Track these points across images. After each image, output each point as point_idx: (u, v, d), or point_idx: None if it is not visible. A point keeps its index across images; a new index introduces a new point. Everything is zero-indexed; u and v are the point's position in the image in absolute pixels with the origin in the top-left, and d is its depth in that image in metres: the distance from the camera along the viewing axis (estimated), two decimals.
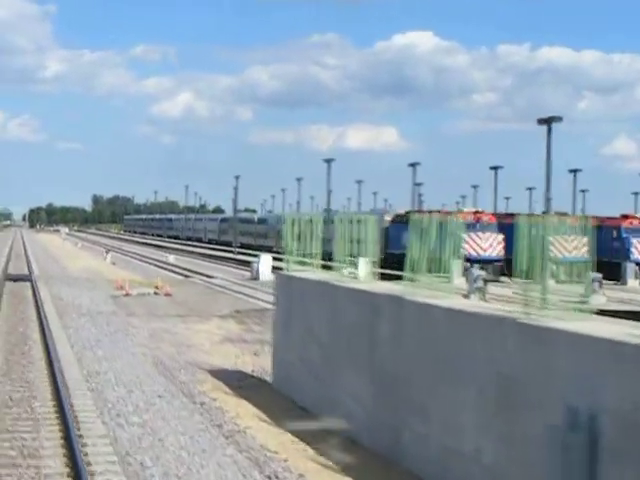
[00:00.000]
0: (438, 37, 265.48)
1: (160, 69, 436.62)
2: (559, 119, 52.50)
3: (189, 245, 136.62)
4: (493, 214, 75.25)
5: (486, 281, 44.70)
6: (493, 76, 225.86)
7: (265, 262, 59.44)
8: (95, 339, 28.58)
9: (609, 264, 56.83)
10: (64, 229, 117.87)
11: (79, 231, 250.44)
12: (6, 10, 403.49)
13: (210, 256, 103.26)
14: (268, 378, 23.45)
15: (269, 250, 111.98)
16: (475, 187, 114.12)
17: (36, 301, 38.57)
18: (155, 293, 48.38)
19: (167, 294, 47.56)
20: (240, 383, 23.15)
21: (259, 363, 25.83)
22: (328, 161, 77.63)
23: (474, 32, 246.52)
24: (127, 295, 46.77)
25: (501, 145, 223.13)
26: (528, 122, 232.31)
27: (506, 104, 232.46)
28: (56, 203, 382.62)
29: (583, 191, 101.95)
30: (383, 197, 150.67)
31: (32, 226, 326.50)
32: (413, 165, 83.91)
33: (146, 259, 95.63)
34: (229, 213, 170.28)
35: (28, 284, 49.49)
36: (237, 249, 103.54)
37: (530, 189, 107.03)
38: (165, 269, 77.52)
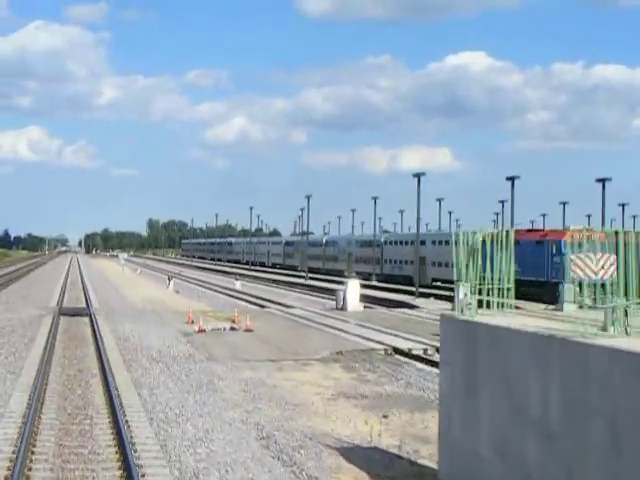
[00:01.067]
0: (491, 57, 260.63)
1: (214, 94, 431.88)
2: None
3: (252, 270, 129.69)
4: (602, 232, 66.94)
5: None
6: (547, 95, 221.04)
7: (353, 289, 52.01)
8: (177, 403, 21.36)
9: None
10: (122, 254, 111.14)
11: (135, 256, 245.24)
12: (61, 38, 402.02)
13: (278, 282, 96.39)
14: (426, 461, 16.78)
15: (339, 274, 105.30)
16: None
17: (97, 343, 31.52)
18: (232, 328, 41.25)
19: (247, 329, 40.38)
20: (390, 473, 16.12)
21: (397, 431, 19.10)
22: (417, 175, 72.23)
23: (527, 51, 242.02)
24: (201, 331, 39.66)
25: (556, 162, 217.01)
26: (583, 140, 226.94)
27: (560, 122, 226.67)
28: (112, 228, 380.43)
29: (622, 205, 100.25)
30: (427, 221, 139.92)
31: (88, 252, 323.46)
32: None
33: (210, 286, 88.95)
34: (285, 236, 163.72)
35: (86, 319, 42.47)
36: (308, 274, 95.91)
37: (622, 205, 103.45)
38: (234, 297, 70.61)
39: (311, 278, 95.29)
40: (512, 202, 73.86)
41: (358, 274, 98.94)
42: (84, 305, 54.35)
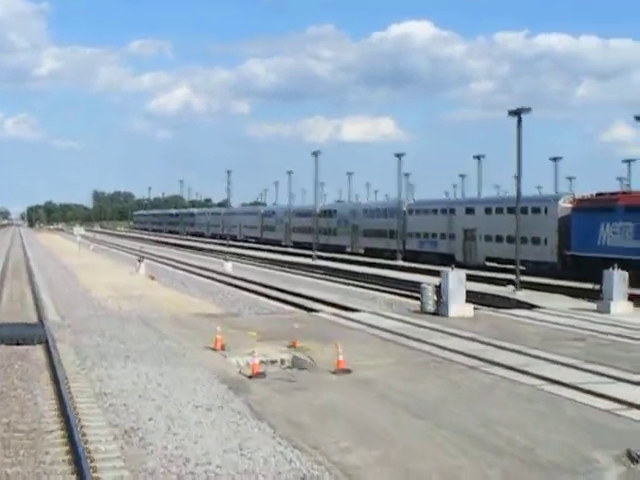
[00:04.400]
0: (435, 27, 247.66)
1: (157, 64, 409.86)
2: (527, 110, 43.34)
3: (227, 245, 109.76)
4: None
5: None
6: (490, 64, 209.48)
7: (457, 284, 32.69)
8: None
9: None
10: (78, 229, 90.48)
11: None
12: (2, 9, 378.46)
13: (275, 262, 76.75)
14: None
15: (340, 250, 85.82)
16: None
17: (72, 446, 12.11)
18: (300, 367, 22.41)
19: (342, 369, 21.08)
20: None
21: None
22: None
23: (471, 21, 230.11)
24: (256, 376, 20.40)
25: (497, 132, 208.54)
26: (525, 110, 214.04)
27: (504, 91, 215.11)
28: (55, 201, 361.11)
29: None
30: (376, 188, 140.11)
31: (31, 225, 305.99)
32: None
33: (190, 268, 69.41)
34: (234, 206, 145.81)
35: (37, 352, 22.96)
36: (315, 253, 76.24)
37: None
38: (236, 287, 51.15)
39: (319, 257, 75.69)
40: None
41: (368, 251, 79.92)
42: (33, 316, 34.34)
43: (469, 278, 52.49)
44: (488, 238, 62.52)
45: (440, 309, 33.46)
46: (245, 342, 25.92)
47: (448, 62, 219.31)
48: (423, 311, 34.65)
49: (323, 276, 58.78)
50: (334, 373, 21.55)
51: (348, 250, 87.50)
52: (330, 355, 22.74)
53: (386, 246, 79.42)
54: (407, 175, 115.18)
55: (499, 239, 60.86)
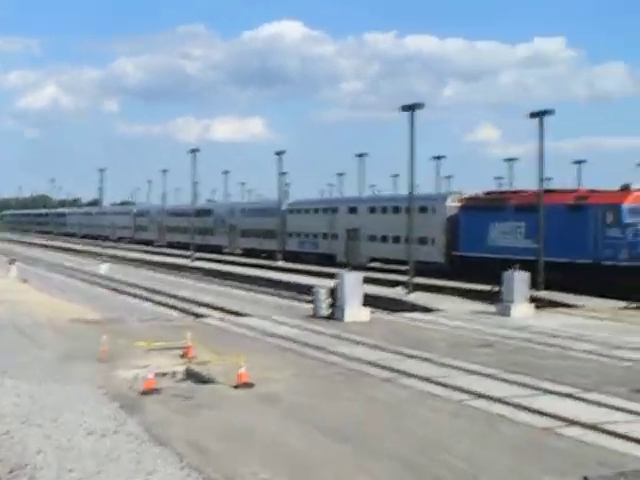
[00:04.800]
0: (306, 26, 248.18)
1: (24, 62, 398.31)
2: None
3: (97, 246, 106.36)
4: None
5: None
6: (360, 64, 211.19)
7: (352, 287, 30.98)
8: None
9: None
10: None
11: None
12: None
13: (150, 263, 74.12)
14: None
15: (217, 250, 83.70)
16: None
17: None
18: (202, 380, 20.55)
19: (243, 383, 19.12)
20: None
21: None
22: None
23: (341, 21, 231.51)
24: (149, 392, 18.39)
25: (368, 132, 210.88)
26: (395, 110, 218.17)
27: (373, 92, 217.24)
28: None
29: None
30: (249, 187, 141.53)
31: None
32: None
33: (62, 269, 66.27)
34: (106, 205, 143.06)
35: None
36: (194, 254, 73.84)
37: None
38: (114, 290, 48.48)
39: (198, 259, 73.30)
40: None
41: (247, 251, 78.01)
42: None
43: (317, 274, 51.39)
44: (372, 238, 61.17)
45: (335, 313, 31.74)
46: (133, 352, 23.84)
47: (318, 62, 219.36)
48: (316, 315, 32.94)
49: (204, 278, 56.49)
50: (235, 387, 19.64)
51: (226, 251, 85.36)
52: (227, 366, 20.86)
53: (265, 246, 77.55)
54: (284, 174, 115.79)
55: (384, 239, 59.59)
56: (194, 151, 73.28)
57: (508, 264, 46.33)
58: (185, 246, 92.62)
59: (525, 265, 45.14)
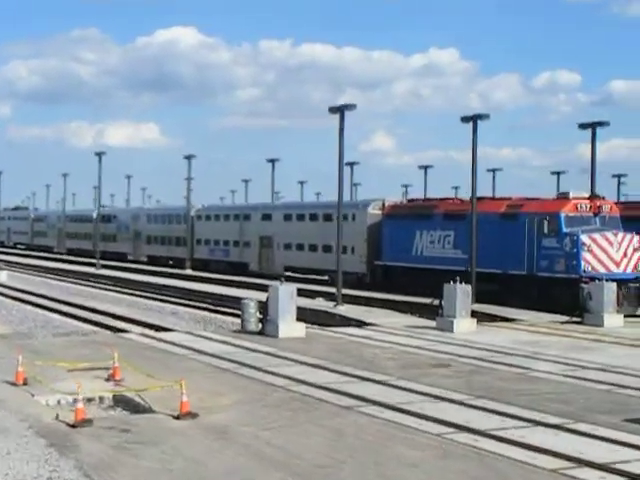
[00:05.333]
0: (201, 33, 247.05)
1: None
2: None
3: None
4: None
5: None
6: (256, 72, 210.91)
7: (286, 300, 28.58)
8: None
9: None
10: None
11: None
12: None
13: (54, 270, 70.55)
14: None
15: (122, 258, 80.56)
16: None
17: None
18: (135, 409, 18.28)
19: (186, 413, 16.55)
20: None
21: None
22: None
23: (237, 28, 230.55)
24: (81, 424, 15.78)
25: (266, 140, 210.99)
26: (291, 118, 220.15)
27: (269, 99, 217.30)
28: None
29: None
30: (148, 193, 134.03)
31: None
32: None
33: None
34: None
35: None
36: (100, 262, 70.44)
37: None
38: (23, 301, 45.26)
39: (104, 266, 69.98)
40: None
41: (153, 259, 75.05)
42: None
43: (262, 289, 48.67)
44: (287, 246, 58.78)
45: (267, 328, 29.30)
46: (52, 374, 21.09)
47: (214, 69, 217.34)
48: (245, 330, 30.48)
49: (112, 287, 53.41)
50: (177, 418, 17.09)
51: (130, 258, 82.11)
52: (162, 391, 18.32)
53: (172, 254, 74.63)
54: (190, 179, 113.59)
55: (300, 247, 57.29)
56: (99, 154, 70.03)
57: (435, 275, 44.58)
58: (85, 253, 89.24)
59: (453, 276, 43.35)
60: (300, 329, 29.24)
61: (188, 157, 69.97)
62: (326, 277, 54.59)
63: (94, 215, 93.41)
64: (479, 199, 42.48)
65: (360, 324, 33.90)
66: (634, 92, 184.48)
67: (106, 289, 52.97)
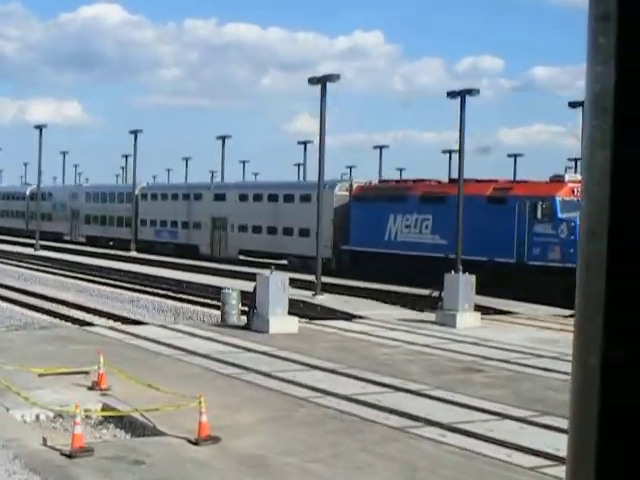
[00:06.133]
0: (125, 10, 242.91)
1: None
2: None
3: None
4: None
5: None
6: (179, 50, 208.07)
7: (275, 289, 25.20)
8: None
9: None
10: None
11: None
12: None
13: None
14: None
15: (58, 238, 76.28)
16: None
17: None
18: (140, 430, 14.64)
19: (207, 437, 13.10)
20: None
21: None
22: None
23: (161, 6, 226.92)
24: (80, 453, 12.28)
25: (190, 119, 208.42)
26: (212, 97, 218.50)
27: (192, 79, 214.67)
28: None
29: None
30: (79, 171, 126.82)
31: None
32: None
33: None
34: None
35: None
36: (38, 243, 66.12)
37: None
38: None
39: (44, 247, 65.63)
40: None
41: (92, 239, 71.04)
42: None
43: (219, 274, 45.20)
44: (243, 228, 55.24)
45: (254, 323, 25.92)
46: (21, 378, 17.53)
47: (138, 47, 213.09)
48: (225, 324, 27.08)
49: (56, 271, 49.41)
50: (195, 443, 13.74)
51: (67, 238, 77.78)
52: (158, 399, 15.01)
53: (113, 235, 70.63)
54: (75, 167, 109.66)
55: (257, 230, 53.80)
56: (39, 127, 65.64)
57: (410, 261, 41.52)
58: (15, 233, 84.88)
59: (431, 263, 40.34)
60: (293, 324, 25.95)
61: (134, 132, 65.93)
62: (285, 261, 51.30)
63: (27, 192, 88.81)
64: (454, 181, 39.50)
65: (347, 317, 30.65)
66: (555, 78, 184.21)
67: (49, 272, 48.92)
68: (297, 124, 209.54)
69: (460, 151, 37.20)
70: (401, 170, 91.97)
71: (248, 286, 40.10)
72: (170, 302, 35.93)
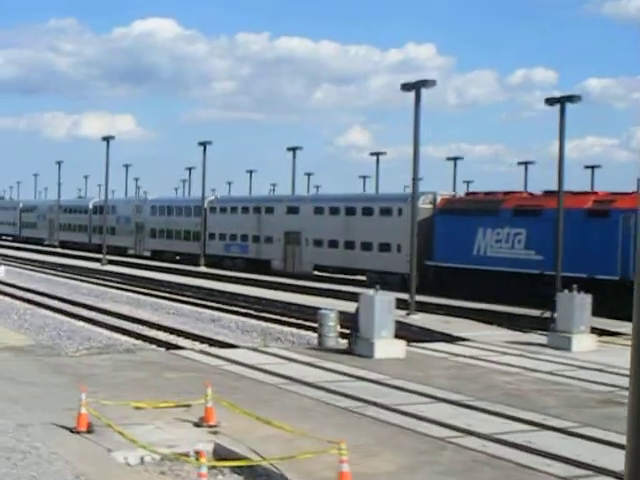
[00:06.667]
0: (179, 25, 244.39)
1: None
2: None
3: None
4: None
5: None
6: (232, 64, 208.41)
7: (383, 312, 23.24)
8: None
9: None
10: None
11: None
12: None
13: (50, 265, 64.64)
14: None
15: (121, 252, 74.79)
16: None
17: None
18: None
19: None
20: None
21: None
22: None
23: (214, 20, 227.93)
24: None
25: (238, 133, 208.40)
26: (265, 112, 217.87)
27: (244, 93, 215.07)
28: None
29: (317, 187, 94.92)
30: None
31: None
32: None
33: None
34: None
35: None
36: (105, 258, 64.66)
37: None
38: (34, 303, 39.57)
39: (111, 262, 64.15)
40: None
41: (157, 253, 69.45)
42: None
43: (299, 291, 43.12)
44: (318, 243, 53.17)
45: (357, 347, 23.81)
46: (116, 412, 15.64)
47: (190, 61, 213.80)
48: (323, 347, 25.01)
49: (126, 287, 47.68)
50: None
51: (131, 252, 76.32)
52: (275, 438, 13.03)
53: (181, 249, 68.99)
54: (136, 180, 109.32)
55: (333, 244, 51.72)
56: (106, 139, 64.23)
57: (501, 278, 39.25)
58: (79, 246, 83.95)
59: (525, 279, 38.12)
60: (399, 348, 23.84)
61: (203, 143, 64.32)
62: (363, 277, 49.25)
63: (90, 206, 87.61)
64: (554, 193, 37.14)
65: (448, 338, 28.46)
66: (609, 89, 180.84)
67: (118, 288, 47.20)
68: (349, 137, 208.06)
69: (560, 162, 34.92)
70: (468, 183, 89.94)
71: (329, 303, 38.19)
72: (254, 322, 33.97)
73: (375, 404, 17.61)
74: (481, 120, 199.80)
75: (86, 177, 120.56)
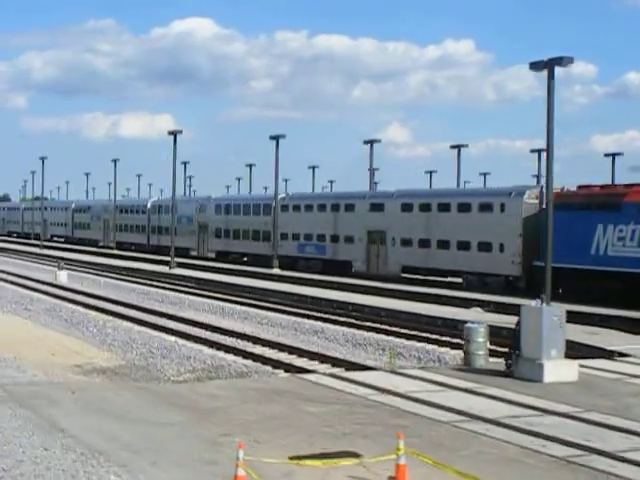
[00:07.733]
0: (217, 25, 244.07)
1: None
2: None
3: (31, 245, 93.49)
4: None
5: None
6: (270, 63, 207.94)
7: (553, 326, 18.89)
8: None
9: None
10: None
11: None
12: None
13: (113, 269, 61.19)
14: None
15: (182, 254, 70.97)
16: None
17: None
18: None
19: None
20: None
21: None
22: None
23: (252, 19, 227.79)
24: None
25: (278, 131, 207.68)
26: (304, 109, 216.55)
27: (283, 91, 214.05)
28: None
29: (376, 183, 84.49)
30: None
31: None
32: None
33: (6, 277, 53.32)
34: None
35: None
36: (174, 261, 61.05)
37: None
38: (109, 312, 35.86)
39: (180, 264, 60.47)
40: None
41: (221, 254, 65.78)
42: None
43: (389, 294, 39.28)
44: (406, 242, 49.13)
45: (517, 368, 19.78)
46: (263, 466, 11.51)
47: (229, 60, 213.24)
48: (471, 367, 21.03)
49: (202, 292, 43.92)
50: None
51: (193, 254, 72.74)
52: None
53: (248, 249, 65.26)
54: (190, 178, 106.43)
55: (424, 244, 47.69)
56: (173, 133, 60.67)
57: (625, 280, 35.26)
58: (135, 247, 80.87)
59: None
60: (571, 370, 19.80)
61: (275, 137, 60.62)
62: (460, 280, 45.28)
63: (149, 205, 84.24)
64: None
65: (605, 354, 24.38)
66: None
67: (194, 294, 43.47)
68: (388, 133, 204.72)
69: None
70: (485, 175, 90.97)
71: (436, 310, 34.23)
72: (364, 333, 30.00)
73: (596, 451, 13.62)
74: (520, 116, 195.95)
75: (139, 176, 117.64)
